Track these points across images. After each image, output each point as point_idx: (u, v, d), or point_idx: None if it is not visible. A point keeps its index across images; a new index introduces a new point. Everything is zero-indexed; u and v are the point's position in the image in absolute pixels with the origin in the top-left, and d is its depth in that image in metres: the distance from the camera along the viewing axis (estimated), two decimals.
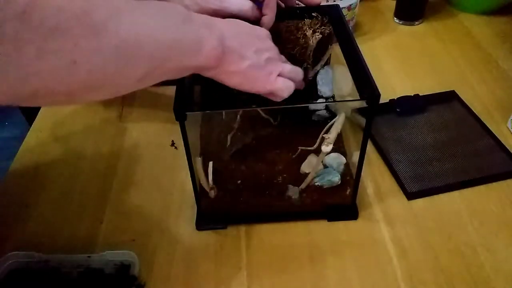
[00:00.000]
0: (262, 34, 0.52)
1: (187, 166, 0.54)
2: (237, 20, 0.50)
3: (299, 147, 0.63)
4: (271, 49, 0.51)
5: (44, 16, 0.29)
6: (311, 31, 0.59)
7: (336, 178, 0.60)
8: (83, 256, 0.55)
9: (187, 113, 0.48)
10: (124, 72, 0.36)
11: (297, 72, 0.53)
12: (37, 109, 0.80)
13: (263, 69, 0.48)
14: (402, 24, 0.98)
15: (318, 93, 0.63)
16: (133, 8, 0.36)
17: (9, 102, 0.32)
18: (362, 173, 0.56)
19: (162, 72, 0.40)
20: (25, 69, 0.29)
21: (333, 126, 0.56)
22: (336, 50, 0.59)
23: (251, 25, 0.51)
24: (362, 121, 0.52)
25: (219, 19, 0.47)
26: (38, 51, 0.29)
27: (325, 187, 0.61)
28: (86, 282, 0.54)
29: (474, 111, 0.74)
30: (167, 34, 0.39)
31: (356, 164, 0.55)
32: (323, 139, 0.56)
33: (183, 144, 0.51)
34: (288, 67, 0.51)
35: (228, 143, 0.64)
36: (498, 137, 0.70)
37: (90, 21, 0.32)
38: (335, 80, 0.63)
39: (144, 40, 0.36)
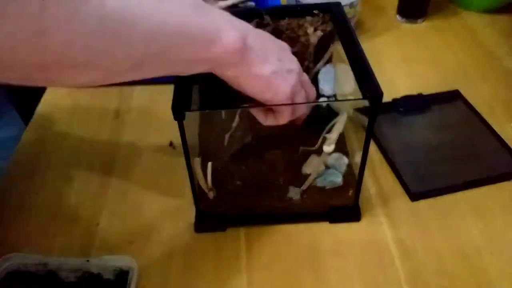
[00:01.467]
0: (285, 46, 0.50)
1: (186, 167, 0.53)
2: (260, 29, 0.48)
3: (300, 147, 0.63)
4: (294, 62, 0.49)
5: None
6: (312, 28, 0.59)
7: (338, 179, 0.60)
8: (81, 260, 0.55)
9: (185, 112, 0.47)
10: (113, 52, 0.32)
11: (310, 96, 0.51)
12: (33, 109, 0.79)
13: (285, 80, 0.45)
14: (405, 22, 0.97)
15: (320, 92, 0.62)
16: None
17: None
18: (364, 174, 0.55)
19: (166, 61, 0.37)
20: None
21: (335, 126, 0.56)
22: (337, 48, 0.58)
23: (273, 36, 0.50)
24: (365, 120, 0.51)
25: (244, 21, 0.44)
26: None
27: (327, 188, 0.60)
28: (84, 287, 0.53)
29: (478, 111, 0.73)
30: (171, 15, 0.35)
31: (359, 164, 0.54)
32: (324, 139, 0.56)
33: (181, 144, 0.50)
34: (308, 88, 0.49)
35: (226, 142, 0.64)
36: (502, 137, 0.69)
37: None
38: (337, 79, 0.62)
39: (138, 18, 0.33)
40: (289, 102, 0.47)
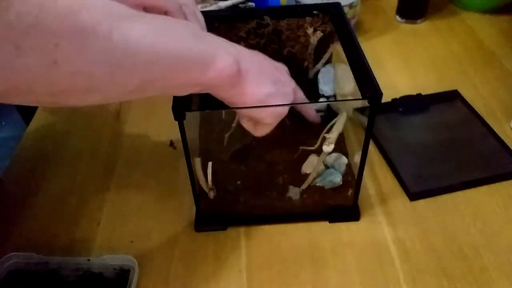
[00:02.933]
0: (281, 67, 0.51)
1: (186, 167, 0.53)
2: (257, 51, 0.49)
3: (300, 147, 0.63)
4: (289, 84, 0.50)
5: (21, 12, 0.27)
6: (312, 29, 0.59)
7: (337, 179, 0.60)
8: (82, 259, 0.55)
9: (186, 112, 0.47)
10: (115, 79, 0.35)
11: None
12: (34, 109, 0.80)
13: (279, 102, 0.47)
14: (404, 22, 0.97)
15: (319, 92, 0.62)
16: (136, 17, 0.35)
17: None
18: (364, 174, 0.55)
19: (164, 85, 0.39)
20: (3, 64, 0.28)
21: (335, 126, 0.56)
22: (337, 49, 0.59)
23: (270, 58, 0.51)
24: (364, 120, 0.51)
25: (239, 45, 0.46)
26: (16, 48, 0.28)
27: (326, 187, 0.60)
28: (85, 286, 0.54)
29: (477, 111, 0.73)
30: (170, 45, 0.37)
31: (358, 164, 0.54)
32: (324, 139, 0.56)
33: (182, 144, 0.51)
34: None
35: (225, 142, 0.64)
36: (501, 137, 0.69)
37: (76, 22, 0.30)
38: (337, 79, 0.62)
39: (141, 49, 0.35)
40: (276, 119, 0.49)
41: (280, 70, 0.50)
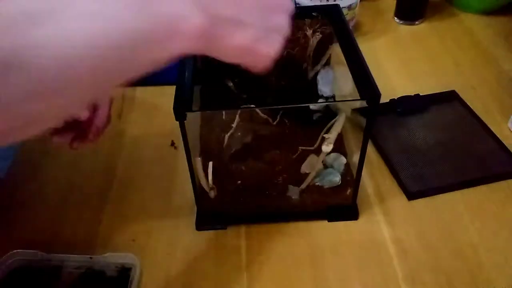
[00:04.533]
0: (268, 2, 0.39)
1: (187, 166, 0.54)
2: None
3: (300, 147, 0.63)
4: (280, 18, 0.40)
5: None
6: (311, 31, 0.59)
7: (336, 178, 0.60)
8: (85, 257, 0.55)
9: (186, 112, 0.47)
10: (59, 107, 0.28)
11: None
12: None
13: (268, 43, 0.38)
14: (402, 24, 0.98)
15: (319, 92, 0.63)
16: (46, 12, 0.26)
17: None
18: (362, 173, 0.56)
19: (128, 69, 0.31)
20: None
21: (334, 126, 0.56)
22: (336, 50, 0.59)
23: None
24: (363, 121, 0.51)
25: None
26: None
27: (325, 187, 0.61)
28: (87, 283, 0.54)
29: (475, 111, 0.74)
30: (111, 32, 0.28)
31: (357, 164, 0.55)
32: (323, 139, 0.56)
33: (182, 144, 0.51)
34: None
35: (226, 142, 0.64)
36: (498, 137, 0.69)
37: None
38: (336, 80, 0.62)
39: (74, 60, 0.26)
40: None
41: (267, 4, 0.39)
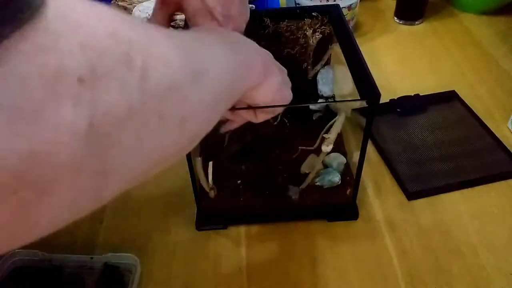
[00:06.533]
0: (270, 53, 0.49)
1: (187, 166, 0.54)
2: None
3: (299, 147, 0.63)
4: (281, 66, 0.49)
5: (158, 76, 0.23)
6: (311, 31, 0.59)
7: (336, 178, 0.60)
8: (85, 257, 0.55)
9: None
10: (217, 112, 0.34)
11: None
12: None
13: (288, 86, 0.47)
14: (402, 24, 0.98)
15: (319, 92, 0.63)
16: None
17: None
18: (362, 173, 0.56)
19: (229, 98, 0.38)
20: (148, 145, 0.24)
21: (333, 126, 0.56)
22: (336, 50, 0.59)
23: None
24: (362, 121, 0.52)
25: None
26: (160, 119, 0.24)
27: (325, 187, 0.61)
28: (87, 284, 0.54)
29: (474, 111, 0.74)
30: (219, 68, 0.34)
31: (356, 164, 0.55)
32: (323, 139, 0.56)
33: None
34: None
35: (226, 142, 0.64)
36: (498, 137, 0.69)
37: (191, 70, 0.28)
38: (335, 80, 0.63)
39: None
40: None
41: (271, 56, 0.47)
